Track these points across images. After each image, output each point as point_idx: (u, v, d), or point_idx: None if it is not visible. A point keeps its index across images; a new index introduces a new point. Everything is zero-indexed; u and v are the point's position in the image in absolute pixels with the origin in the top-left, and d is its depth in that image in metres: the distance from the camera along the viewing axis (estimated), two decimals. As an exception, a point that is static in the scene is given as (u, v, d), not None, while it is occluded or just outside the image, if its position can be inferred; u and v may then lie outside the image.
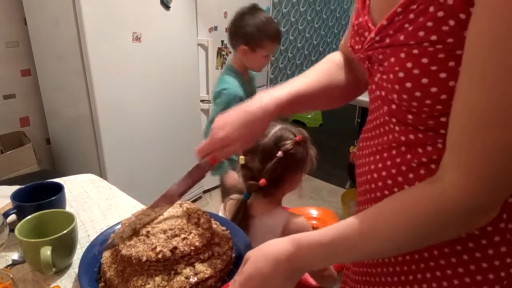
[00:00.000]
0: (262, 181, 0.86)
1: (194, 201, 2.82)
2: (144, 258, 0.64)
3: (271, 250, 0.55)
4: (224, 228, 0.78)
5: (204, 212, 0.77)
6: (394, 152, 0.56)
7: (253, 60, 1.64)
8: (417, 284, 0.58)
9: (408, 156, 0.54)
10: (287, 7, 3.94)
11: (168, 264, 0.65)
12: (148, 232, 0.68)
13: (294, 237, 0.55)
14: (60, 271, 0.77)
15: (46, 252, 0.69)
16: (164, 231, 0.68)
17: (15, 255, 0.81)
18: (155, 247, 0.65)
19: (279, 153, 0.87)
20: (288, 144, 0.88)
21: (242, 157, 0.88)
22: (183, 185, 0.72)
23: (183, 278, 0.64)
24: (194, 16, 2.48)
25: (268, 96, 0.67)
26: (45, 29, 2.11)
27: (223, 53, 2.80)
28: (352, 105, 2.67)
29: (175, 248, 0.65)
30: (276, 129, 0.90)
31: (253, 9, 1.62)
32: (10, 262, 0.79)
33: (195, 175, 0.72)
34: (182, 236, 0.68)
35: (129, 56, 2.12)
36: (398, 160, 0.55)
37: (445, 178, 0.47)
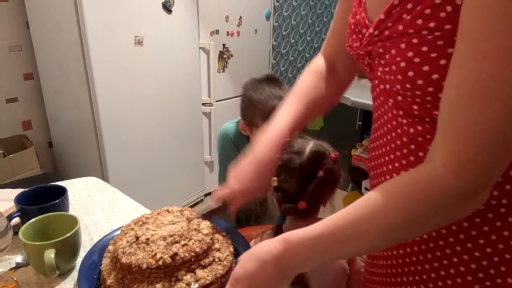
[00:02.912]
0: (302, 204, 0.78)
1: (195, 204, 2.82)
2: (144, 266, 0.64)
3: (259, 251, 0.56)
4: (224, 233, 0.78)
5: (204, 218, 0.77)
6: (405, 150, 0.56)
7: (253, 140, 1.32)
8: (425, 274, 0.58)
9: (421, 154, 0.54)
10: (288, 11, 3.95)
11: (169, 271, 0.65)
12: (148, 239, 0.68)
13: (284, 235, 0.55)
14: (64, 274, 0.78)
15: (50, 255, 0.70)
16: (164, 238, 0.68)
17: (18, 258, 0.81)
18: (155, 254, 0.65)
19: (320, 173, 0.79)
20: (328, 163, 0.82)
21: (274, 178, 0.78)
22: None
23: (184, 285, 0.63)
24: (195, 20, 2.50)
25: (270, 144, 0.73)
26: (47, 33, 2.13)
27: (225, 56, 2.81)
28: (354, 108, 2.66)
29: (175, 254, 0.65)
30: (310, 145, 0.83)
31: (266, 79, 1.36)
32: (14, 265, 0.79)
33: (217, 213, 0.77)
34: (182, 242, 0.68)
35: (131, 59, 2.13)
36: (412, 158, 0.55)
37: (434, 158, 0.46)
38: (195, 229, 0.72)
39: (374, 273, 0.70)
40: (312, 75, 0.79)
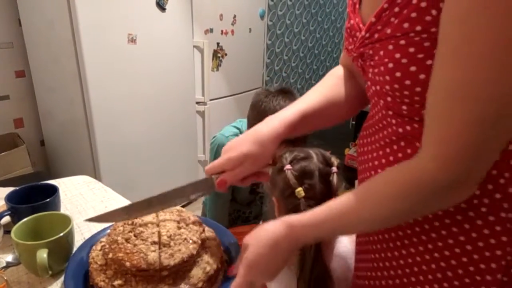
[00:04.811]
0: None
1: (189, 202, 2.82)
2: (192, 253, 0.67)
3: (267, 234, 0.59)
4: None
5: (181, 210, 0.80)
6: (395, 147, 0.57)
7: None
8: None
9: (409, 151, 0.56)
10: (282, 10, 3.95)
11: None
12: (170, 236, 0.69)
13: (285, 220, 0.59)
14: (56, 274, 0.77)
15: (43, 255, 0.69)
16: (180, 233, 0.71)
17: (9, 257, 0.80)
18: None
19: (334, 169, 0.82)
20: (335, 159, 0.85)
21: (299, 189, 0.79)
22: (184, 195, 0.71)
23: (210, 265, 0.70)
24: (189, 18, 2.49)
25: (277, 119, 0.67)
26: (40, 30, 2.11)
27: (219, 55, 2.81)
28: (347, 107, 2.67)
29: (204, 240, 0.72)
30: (311, 149, 0.85)
31: (279, 91, 1.27)
32: (4, 264, 0.78)
33: (200, 189, 0.70)
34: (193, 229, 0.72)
35: (124, 57, 2.12)
36: (400, 155, 0.57)
37: (423, 153, 0.49)
38: (188, 217, 0.76)
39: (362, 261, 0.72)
40: (330, 78, 0.77)
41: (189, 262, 0.67)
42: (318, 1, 4.39)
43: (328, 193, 0.81)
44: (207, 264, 0.70)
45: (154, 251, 0.66)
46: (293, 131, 0.67)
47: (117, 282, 0.65)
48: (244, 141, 0.65)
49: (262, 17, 3.16)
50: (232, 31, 2.86)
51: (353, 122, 3.09)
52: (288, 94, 1.27)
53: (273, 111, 1.20)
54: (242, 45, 3.00)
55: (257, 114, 1.26)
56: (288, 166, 0.81)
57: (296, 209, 0.78)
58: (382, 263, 0.65)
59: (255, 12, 3.07)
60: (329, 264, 0.81)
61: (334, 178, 0.81)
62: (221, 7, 2.71)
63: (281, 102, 1.23)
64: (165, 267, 0.65)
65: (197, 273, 0.68)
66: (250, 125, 1.30)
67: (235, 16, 2.85)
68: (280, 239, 0.58)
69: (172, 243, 0.68)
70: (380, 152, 0.61)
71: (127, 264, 0.64)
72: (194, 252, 0.68)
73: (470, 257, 0.54)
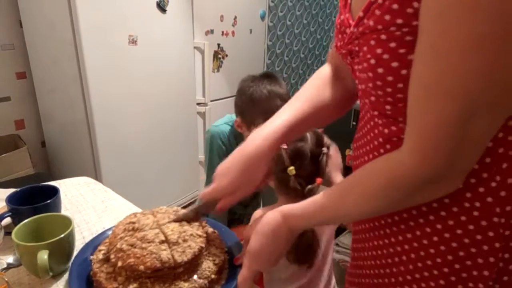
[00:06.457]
0: (319, 180, 0.89)
1: (189, 204, 2.82)
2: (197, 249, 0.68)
3: (267, 224, 0.62)
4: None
5: (177, 210, 0.80)
6: (382, 151, 0.57)
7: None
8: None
9: None
10: (283, 11, 3.96)
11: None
12: (178, 237, 0.70)
13: (281, 210, 0.62)
14: (57, 275, 0.77)
15: (43, 256, 0.69)
16: (184, 230, 0.72)
17: (10, 259, 0.80)
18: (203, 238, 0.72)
19: (325, 150, 0.91)
20: (327, 139, 0.93)
21: (291, 168, 0.86)
22: (187, 216, 0.74)
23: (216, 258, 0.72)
24: (190, 19, 2.49)
25: (262, 136, 0.68)
26: (41, 32, 2.11)
27: (219, 56, 2.81)
28: (348, 108, 2.66)
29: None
30: (307, 132, 0.93)
31: (264, 76, 1.34)
32: (5, 266, 0.78)
33: (202, 212, 0.75)
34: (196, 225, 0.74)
35: (125, 59, 2.12)
36: None
37: (403, 146, 0.50)
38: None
39: (359, 271, 0.72)
40: (315, 81, 0.77)
41: (199, 256, 0.69)
42: (319, 2, 4.39)
43: (317, 172, 0.90)
44: (215, 256, 0.72)
45: (165, 249, 0.66)
46: (279, 145, 0.70)
47: (132, 286, 0.64)
48: (233, 167, 0.68)
49: (262, 18, 3.16)
50: (233, 32, 2.87)
51: (354, 123, 3.09)
52: (272, 78, 1.34)
53: (260, 93, 1.29)
54: (242, 46, 3.00)
55: (245, 98, 1.32)
56: (284, 146, 0.88)
57: (286, 183, 0.87)
58: (375, 252, 0.64)
59: (255, 13, 3.08)
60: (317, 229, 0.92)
61: (324, 159, 0.90)
62: (222, 8, 2.72)
63: (267, 86, 1.30)
64: (179, 264, 0.66)
65: (208, 265, 0.70)
66: (239, 111, 1.37)
67: (235, 17, 2.85)
68: (279, 228, 0.61)
69: (180, 240, 0.69)
70: (370, 156, 0.60)
71: (141, 267, 0.64)
72: (203, 245, 0.70)
73: (461, 241, 0.53)
